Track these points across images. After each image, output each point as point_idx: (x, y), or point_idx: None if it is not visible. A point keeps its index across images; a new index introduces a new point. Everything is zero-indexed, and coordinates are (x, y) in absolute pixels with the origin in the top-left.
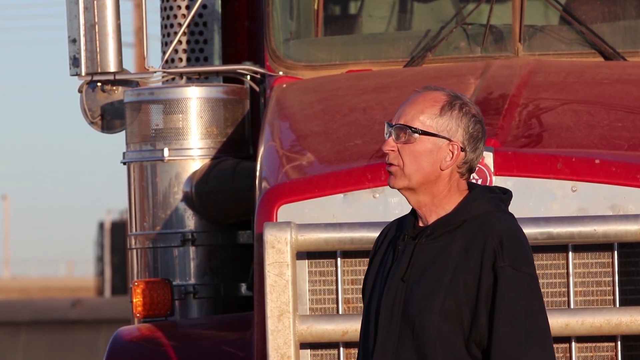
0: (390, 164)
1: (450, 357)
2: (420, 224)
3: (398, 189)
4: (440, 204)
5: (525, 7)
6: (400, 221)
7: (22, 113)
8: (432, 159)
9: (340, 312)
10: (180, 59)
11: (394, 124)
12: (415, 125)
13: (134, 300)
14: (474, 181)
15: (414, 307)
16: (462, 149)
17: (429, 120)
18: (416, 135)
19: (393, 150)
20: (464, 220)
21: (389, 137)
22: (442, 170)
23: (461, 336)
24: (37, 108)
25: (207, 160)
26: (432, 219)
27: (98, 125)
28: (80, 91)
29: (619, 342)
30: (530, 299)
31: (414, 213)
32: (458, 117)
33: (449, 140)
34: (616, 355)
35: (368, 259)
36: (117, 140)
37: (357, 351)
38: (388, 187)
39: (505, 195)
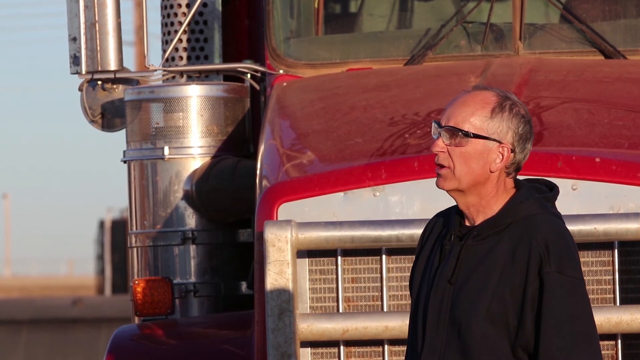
0: (441, 166)
1: None
2: (467, 223)
3: (446, 191)
4: (488, 204)
5: (525, 6)
6: (445, 216)
7: (23, 112)
8: (483, 161)
9: (340, 311)
10: (181, 58)
11: (443, 124)
12: (465, 127)
13: (135, 298)
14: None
15: (460, 310)
16: (512, 150)
17: (480, 123)
18: (467, 138)
19: (443, 152)
20: (511, 222)
21: (437, 137)
22: (492, 172)
23: (507, 340)
24: (37, 107)
25: (207, 159)
26: (479, 219)
27: (98, 123)
28: (80, 90)
29: (619, 341)
30: (576, 302)
31: (459, 210)
32: (508, 119)
33: (499, 142)
34: (616, 353)
35: (369, 258)
36: (118, 139)
37: (358, 349)
38: (388, 185)
39: (551, 192)
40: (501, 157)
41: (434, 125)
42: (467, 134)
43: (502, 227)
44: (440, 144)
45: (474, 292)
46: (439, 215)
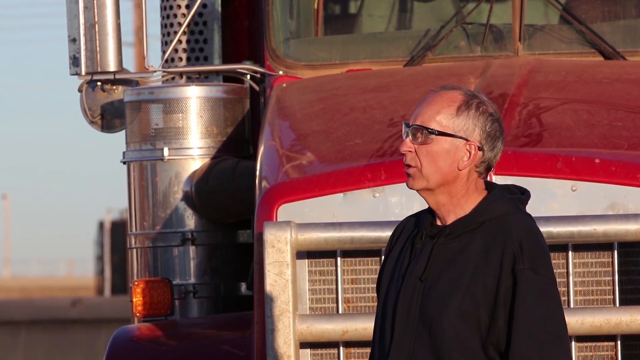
0: (408, 165)
1: (466, 359)
2: (438, 223)
3: (416, 190)
4: (459, 203)
5: (525, 7)
6: (417, 218)
7: (22, 112)
8: (450, 159)
9: (340, 312)
10: (180, 59)
11: (411, 124)
12: (431, 125)
13: (134, 299)
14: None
15: (431, 307)
16: (480, 148)
17: (446, 121)
18: (433, 135)
19: (410, 151)
20: (483, 221)
21: (406, 137)
22: (460, 170)
23: (478, 338)
24: (37, 107)
25: (207, 160)
26: (450, 218)
27: (98, 124)
28: (80, 90)
29: (618, 342)
30: (548, 302)
31: (431, 211)
32: (475, 117)
33: (466, 140)
34: (616, 354)
35: (368, 259)
36: (117, 140)
37: (358, 350)
38: (388, 186)
39: (523, 195)
40: (468, 154)
41: (403, 125)
42: (432, 132)
43: (475, 226)
44: (408, 144)
45: (445, 290)
46: (409, 217)
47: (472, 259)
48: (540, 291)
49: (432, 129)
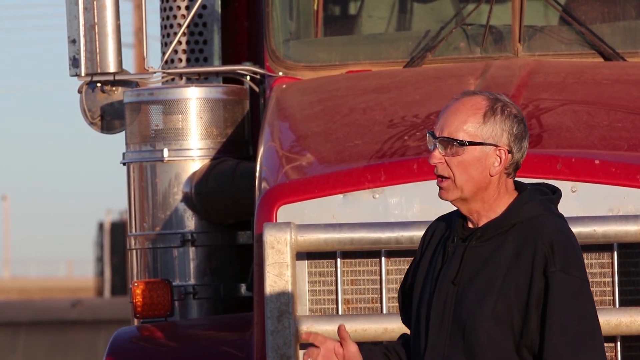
0: (441, 178)
1: None
2: (470, 225)
3: (450, 201)
4: (491, 207)
5: (524, 8)
6: (447, 219)
7: (22, 113)
8: (481, 167)
9: (339, 313)
10: (180, 60)
11: (438, 135)
12: (459, 135)
13: (134, 300)
14: None
15: (464, 311)
16: (509, 152)
17: (474, 129)
18: (463, 146)
19: (441, 163)
20: (515, 224)
21: (433, 148)
22: (492, 176)
23: (512, 340)
24: (37, 108)
25: (206, 161)
26: (482, 221)
27: (98, 125)
28: (79, 92)
29: (618, 343)
30: (581, 303)
31: (461, 213)
32: (502, 121)
33: (496, 145)
34: (616, 355)
35: (368, 260)
36: (117, 141)
37: None
38: (388, 187)
39: (554, 195)
40: (499, 160)
41: (428, 136)
42: (462, 143)
43: (506, 228)
44: (437, 155)
45: (478, 293)
46: (440, 219)
47: (504, 262)
48: (573, 292)
49: (462, 141)
